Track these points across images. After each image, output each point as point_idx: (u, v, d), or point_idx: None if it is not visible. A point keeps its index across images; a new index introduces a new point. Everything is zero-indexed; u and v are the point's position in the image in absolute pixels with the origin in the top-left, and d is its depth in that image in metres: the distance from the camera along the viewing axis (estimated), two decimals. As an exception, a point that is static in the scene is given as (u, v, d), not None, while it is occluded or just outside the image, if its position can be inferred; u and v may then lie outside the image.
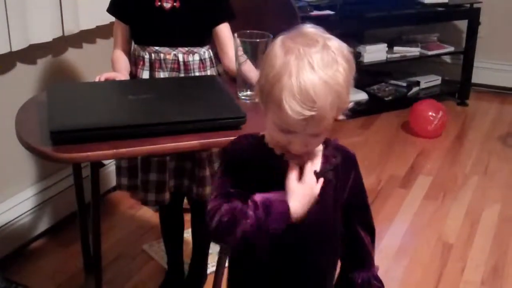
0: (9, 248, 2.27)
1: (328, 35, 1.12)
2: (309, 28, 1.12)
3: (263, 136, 1.20)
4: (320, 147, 1.20)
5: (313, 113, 1.04)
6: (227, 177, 1.20)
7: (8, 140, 1.98)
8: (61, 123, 1.44)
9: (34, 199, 2.37)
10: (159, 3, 1.80)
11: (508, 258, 2.37)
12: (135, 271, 2.27)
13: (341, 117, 1.13)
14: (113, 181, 2.59)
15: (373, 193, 2.86)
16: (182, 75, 1.85)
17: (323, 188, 1.17)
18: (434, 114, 3.47)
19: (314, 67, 1.05)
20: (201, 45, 1.88)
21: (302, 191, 1.14)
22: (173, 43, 1.84)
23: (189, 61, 1.85)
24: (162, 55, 1.84)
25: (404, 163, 3.19)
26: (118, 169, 1.95)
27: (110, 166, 2.64)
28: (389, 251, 2.41)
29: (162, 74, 1.84)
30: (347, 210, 1.25)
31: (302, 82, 1.04)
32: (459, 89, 4.09)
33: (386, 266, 2.31)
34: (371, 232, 1.30)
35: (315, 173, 1.16)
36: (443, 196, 2.86)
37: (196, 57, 1.86)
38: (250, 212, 1.11)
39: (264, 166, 1.18)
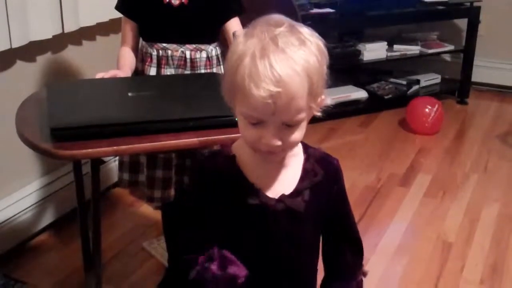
0: (10, 244, 2.26)
1: (298, 23, 1.04)
2: (276, 16, 1.05)
3: (234, 157, 1.12)
4: (301, 159, 1.14)
5: (279, 89, 0.96)
6: (203, 200, 1.14)
7: (8, 137, 1.98)
8: (61, 120, 1.44)
9: (34, 195, 2.37)
10: (167, 0, 1.79)
11: (507, 256, 2.37)
12: (135, 268, 2.27)
13: (317, 113, 1.06)
14: (113, 178, 2.60)
15: (373, 191, 2.86)
16: (187, 72, 1.85)
17: (295, 209, 1.12)
18: (430, 107, 3.48)
19: (279, 44, 0.97)
20: (209, 42, 1.87)
21: None
22: (181, 40, 1.84)
23: (196, 58, 1.85)
24: (169, 52, 1.84)
25: (403, 161, 3.19)
26: (121, 164, 1.95)
27: (111, 163, 2.64)
28: (388, 249, 2.41)
29: (168, 71, 1.84)
30: (329, 222, 1.20)
31: (266, 59, 0.97)
32: (459, 87, 4.09)
33: (385, 264, 2.31)
34: (355, 242, 1.24)
35: (289, 195, 1.11)
36: (443, 194, 2.86)
37: (204, 54, 1.86)
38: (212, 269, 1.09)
39: (236, 191, 1.11)
